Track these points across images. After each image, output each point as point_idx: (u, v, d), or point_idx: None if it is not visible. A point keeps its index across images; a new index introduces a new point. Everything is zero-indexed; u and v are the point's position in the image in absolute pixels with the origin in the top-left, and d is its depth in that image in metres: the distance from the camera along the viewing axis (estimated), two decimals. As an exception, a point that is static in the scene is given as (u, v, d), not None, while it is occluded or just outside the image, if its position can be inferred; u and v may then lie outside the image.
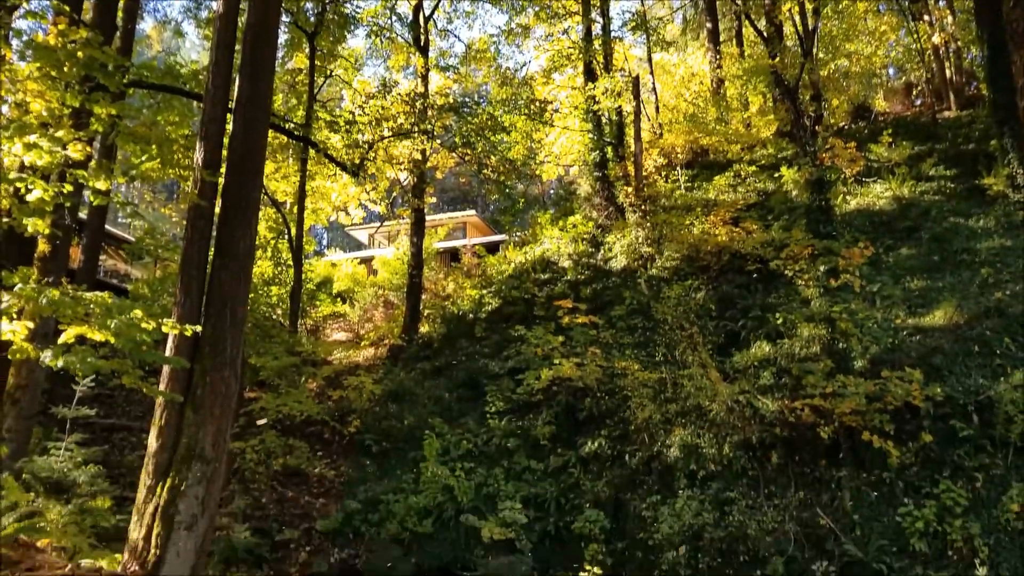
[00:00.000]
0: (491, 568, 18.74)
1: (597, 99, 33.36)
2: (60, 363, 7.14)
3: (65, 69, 9.67)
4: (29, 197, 7.93)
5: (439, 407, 26.52)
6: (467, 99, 40.82)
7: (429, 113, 30.44)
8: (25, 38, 10.43)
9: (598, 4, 36.13)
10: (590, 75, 35.03)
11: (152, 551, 9.81)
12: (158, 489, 10.16)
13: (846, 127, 36.17)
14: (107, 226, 30.88)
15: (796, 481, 19.78)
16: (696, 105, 39.17)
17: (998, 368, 19.46)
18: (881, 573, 17.28)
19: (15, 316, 7.87)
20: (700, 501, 19.73)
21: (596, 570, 7.82)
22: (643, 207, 30.40)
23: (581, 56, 35.50)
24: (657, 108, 40.97)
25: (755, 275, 25.48)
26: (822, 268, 22.70)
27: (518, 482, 22.90)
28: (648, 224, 29.68)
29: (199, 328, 10.01)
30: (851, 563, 17.74)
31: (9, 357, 7.96)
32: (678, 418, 21.85)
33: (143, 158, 10.74)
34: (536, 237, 35.54)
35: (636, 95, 32.75)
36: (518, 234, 38.27)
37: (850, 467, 19.08)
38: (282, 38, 32.43)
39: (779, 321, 22.79)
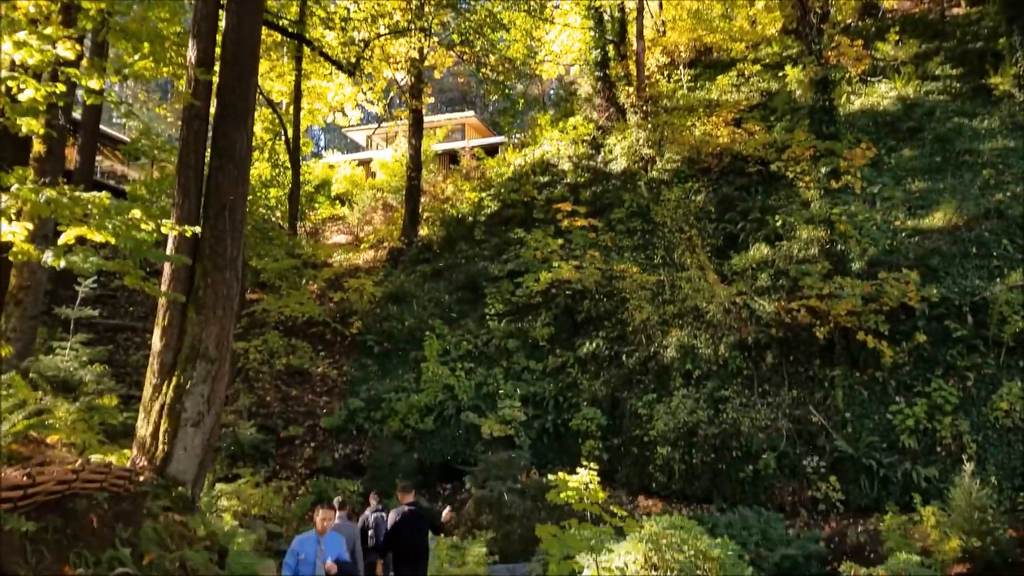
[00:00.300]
0: (491, 463, 19.27)
1: (599, -6, 32.43)
2: (62, 263, 7.17)
3: (50, -38, 9.40)
4: (21, 97, 7.81)
5: (439, 309, 26.78)
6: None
7: (426, 9, 29.62)
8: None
9: None
10: (592, -32, 33.91)
11: (160, 447, 10.07)
12: (164, 388, 10.36)
13: (853, 24, 35.23)
14: (102, 127, 30.50)
15: (790, 380, 20.16)
16: (700, 0, 38.06)
17: (995, 269, 19.56)
18: (870, 468, 17.81)
19: (14, 217, 7.88)
20: (695, 400, 20.16)
21: (593, 465, 8.07)
22: (644, 108, 29.94)
23: (583, -52, 34.30)
24: (660, 4, 39.84)
25: (756, 177, 25.31)
26: (823, 170, 22.52)
27: (517, 381, 23.35)
28: (649, 125, 29.29)
29: (198, 229, 10.02)
30: (841, 458, 18.26)
31: (10, 259, 7.99)
32: (675, 319, 22.10)
33: (135, 56, 10.50)
34: (536, 139, 35.13)
35: (639, -10, 31.78)
36: (517, 136, 37.81)
37: (844, 366, 19.42)
38: (273, -70, 31.32)
39: (778, 223, 22.76)
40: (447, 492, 21.55)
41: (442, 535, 13.34)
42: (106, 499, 6.70)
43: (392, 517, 10.25)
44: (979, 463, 16.79)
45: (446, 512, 10.64)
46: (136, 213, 7.33)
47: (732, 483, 18.66)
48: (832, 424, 18.72)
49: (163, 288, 10.69)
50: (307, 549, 8.14)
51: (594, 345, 22.79)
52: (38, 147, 14.72)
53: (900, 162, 24.18)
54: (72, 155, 25.32)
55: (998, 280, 19.03)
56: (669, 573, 8.53)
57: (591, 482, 6.75)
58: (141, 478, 8.69)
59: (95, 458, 8.47)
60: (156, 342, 10.64)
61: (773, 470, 18.36)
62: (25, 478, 5.18)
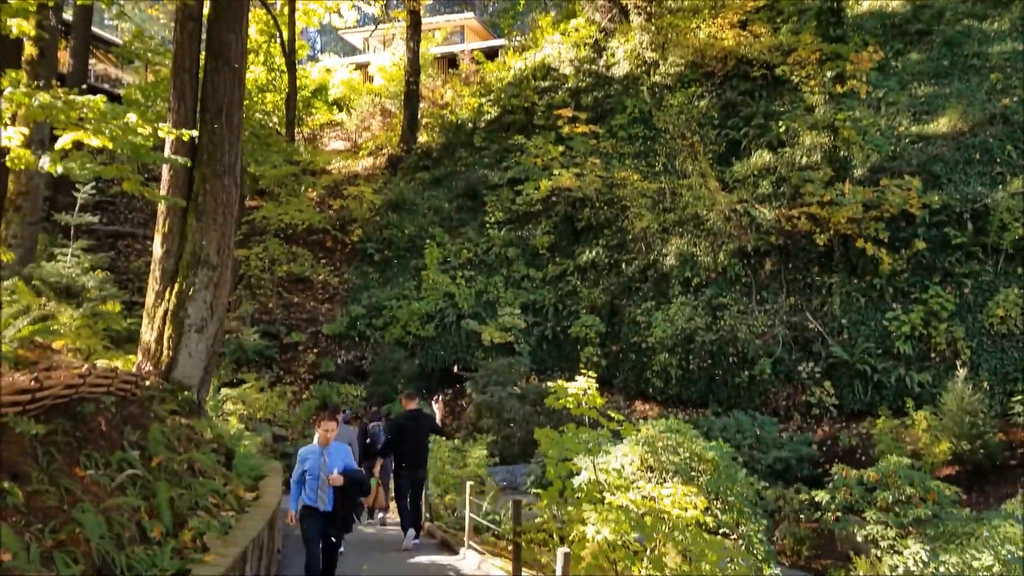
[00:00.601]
0: (491, 369, 19.58)
1: None
2: (59, 169, 7.11)
3: None
4: (9, -4, 7.62)
5: (439, 217, 26.71)
6: None
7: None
8: None
9: None
10: None
11: (165, 352, 10.21)
12: (166, 294, 10.42)
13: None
14: (94, 29, 29.74)
15: (788, 287, 20.28)
16: None
17: (997, 176, 19.42)
18: (864, 374, 18.10)
19: (9, 122, 7.76)
20: (693, 307, 20.32)
21: (591, 371, 8.22)
22: (648, 8, 29.10)
23: None
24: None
25: (760, 81, 24.84)
26: (829, 74, 22.08)
27: (517, 289, 23.50)
28: (653, 27, 28.53)
29: (195, 133, 9.90)
30: (836, 364, 18.54)
31: (7, 165, 7.91)
32: (675, 227, 22.07)
33: (123, -46, 10.18)
34: (536, 42, 34.27)
35: None
36: (518, 39, 36.85)
37: (842, 273, 19.50)
38: None
39: (782, 129, 22.46)
40: (448, 397, 21.95)
41: (443, 438, 13.86)
42: (113, 403, 6.83)
43: (396, 422, 10.84)
44: (972, 369, 17.06)
45: (438, 405, 11.31)
46: (132, 117, 7.22)
47: (728, 388, 18.99)
48: (828, 330, 18.92)
49: (162, 193, 10.63)
50: (311, 461, 7.67)
51: (594, 253, 22.82)
52: (30, 50, 14.41)
53: (907, 66, 23.70)
54: (64, 58, 24.77)
55: (1000, 187, 18.92)
56: (665, 475, 8.77)
57: (589, 388, 6.86)
58: (147, 383, 8.82)
59: (101, 363, 8.59)
60: (157, 249, 10.65)
61: (768, 375, 18.65)
62: (33, 382, 5.26)
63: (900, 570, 7.97)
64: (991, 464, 15.13)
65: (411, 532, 10.41)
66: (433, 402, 12.48)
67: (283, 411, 19.21)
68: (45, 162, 6.42)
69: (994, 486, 14.78)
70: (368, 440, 12.87)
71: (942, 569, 7.50)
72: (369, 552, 10.22)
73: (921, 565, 7.72)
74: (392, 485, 11.76)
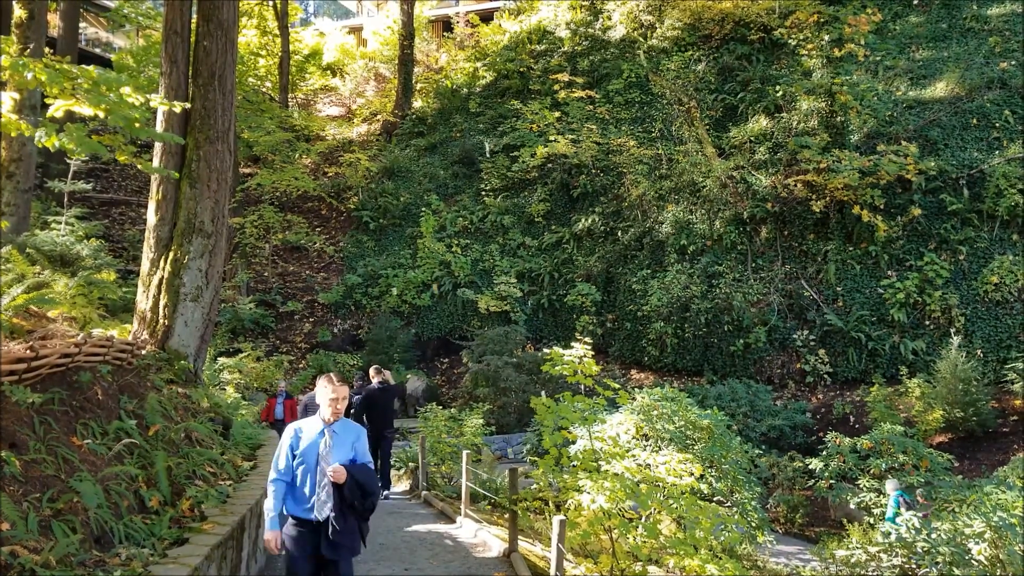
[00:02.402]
0: (487, 338, 19.61)
1: None
2: (56, 143, 7.03)
3: None
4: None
5: (434, 184, 26.59)
6: None
7: None
8: None
9: None
10: None
11: (161, 321, 10.17)
12: (161, 262, 10.36)
13: None
14: (82, -6, 29.39)
15: (783, 255, 20.28)
16: None
17: (994, 141, 19.34)
18: (859, 341, 18.17)
19: (-3, 89, 7.66)
20: (689, 275, 20.32)
21: (587, 339, 8.27)
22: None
23: None
24: None
25: (758, 45, 24.63)
26: (826, 37, 21.93)
27: (513, 258, 23.48)
28: (650, -9, 28.24)
29: (188, 105, 9.77)
30: (831, 332, 18.60)
31: (-2, 131, 7.81)
32: (671, 194, 22.00)
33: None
34: (532, 4, 33.90)
35: None
36: (513, 0, 36.46)
37: (837, 241, 19.49)
38: None
39: (779, 94, 22.33)
40: (445, 366, 22.00)
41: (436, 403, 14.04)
42: (110, 372, 6.82)
43: (369, 392, 12.23)
44: (966, 336, 17.13)
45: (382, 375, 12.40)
46: (126, 89, 7.11)
47: (723, 356, 19.05)
48: (823, 298, 18.96)
49: (155, 161, 10.52)
50: (307, 445, 4.96)
51: (590, 221, 22.77)
52: (20, 13, 14.20)
53: (905, 29, 23.49)
54: (54, 21, 24.45)
55: (997, 152, 18.86)
56: (660, 443, 8.82)
57: (585, 356, 6.86)
58: (143, 351, 8.80)
59: (97, 332, 8.57)
60: (151, 216, 10.56)
61: (763, 343, 18.71)
62: (28, 351, 5.25)
63: (893, 537, 8.06)
64: (983, 431, 15.26)
65: (388, 488, 12.11)
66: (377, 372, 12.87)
67: (279, 380, 19.25)
68: (40, 136, 6.33)
69: (986, 453, 14.91)
70: (351, 410, 13.51)
71: (934, 536, 7.58)
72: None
73: (914, 532, 7.80)
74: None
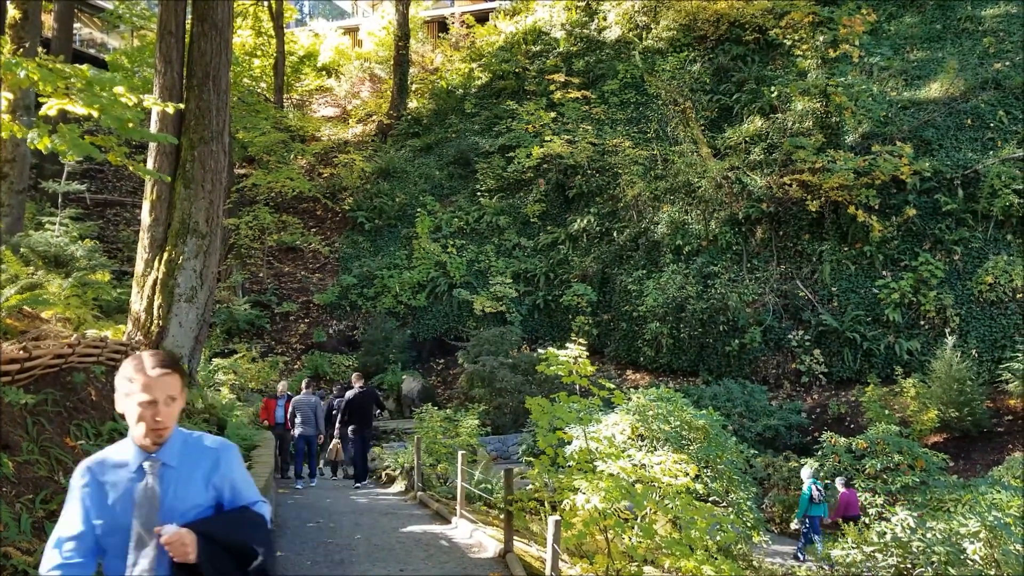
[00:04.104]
0: (483, 338, 19.60)
1: None
2: (49, 145, 7.00)
3: None
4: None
5: (430, 185, 26.57)
6: None
7: None
8: None
9: None
10: None
11: (155, 322, 10.16)
12: (155, 263, 10.35)
13: None
14: (76, -6, 29.28)
15: (779, 255, 20.30)
16: None
17: (989, 142, 19.39)
18: (854, 341, 18.19)
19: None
20: (684, 275, 20.33)
21: (582, 340, 8.26)
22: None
23: None
24: None
25: (753, 46, 24.68)
26: (822, 38, 21.96)
27: (508, 258, 23.47)
28: (645, -8, 28.26)
29: (183, 106, 9.75)
30: (826, 332, 18.61)
31: (-9, 132, 7.79)
32: (667, 195, 22.01)
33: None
34: (527, 5, 33.91)
35: None
36: (508, 1, 36.45)
37: (832, 241, 19.51)
38: None
39: (774, 94, 22.35)
40: (440, 367, 21.98)
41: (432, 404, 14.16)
42: (103, 372, 6.80)
43: (348, 395, 13.35)
44: (961, 336, 17.16)
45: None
46: (120, 89, 7.09)
47: (718, 356, 19.06)
48: (818, 298, 18.98)
49: (149, 161, 10.52)
50: (118, 511, 2.22)
51: (585, 221, 22.78)
52: (14, 13, 14.17)
53: (900, 30, 23.55)
54: (49, 21, 24.38)
55: (992, 152, 18.90)
56: (655, 443, 8.81)
57: (580, 356, 6.86)
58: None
59: (91, 333, 8.54)
60: (145, 217, 10.55)
61: (758, 344, 18.72)
62: (21, 352, 5.23)
63: (888, 536, 8.05)
64: (978, 431, 15.28)
65: (363, 480, 13.56)
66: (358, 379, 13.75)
67: (275, 381, 19.21)
68: (34, 138, 6.31)
69: (981, 453, 14.94)
70: (334, 412, 14.50)
71: (929, 535, 7.58)
72: (361, 519, 10.26)
73: (909, 532, 7.80)
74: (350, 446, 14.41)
